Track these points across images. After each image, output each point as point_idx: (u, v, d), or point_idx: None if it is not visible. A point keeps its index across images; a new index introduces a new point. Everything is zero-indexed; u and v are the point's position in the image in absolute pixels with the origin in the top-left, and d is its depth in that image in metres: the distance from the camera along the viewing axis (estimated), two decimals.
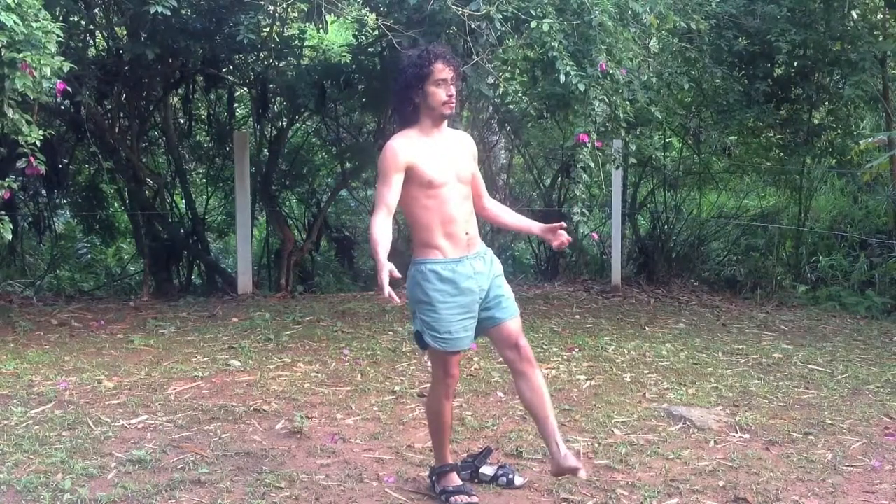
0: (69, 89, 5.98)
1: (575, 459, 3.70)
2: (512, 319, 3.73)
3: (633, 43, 6.36)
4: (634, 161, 8.84)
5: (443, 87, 3.59)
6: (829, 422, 4.87)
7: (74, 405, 4.88)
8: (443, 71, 3.59)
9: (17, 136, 4.78)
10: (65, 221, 10.07)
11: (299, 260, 9.10)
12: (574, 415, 4.89)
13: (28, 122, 4.79)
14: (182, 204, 9.38)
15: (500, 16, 5.78)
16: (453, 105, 3.65)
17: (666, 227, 9.96)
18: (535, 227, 3.93)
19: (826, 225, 10.23)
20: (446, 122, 3.72)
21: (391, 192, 3.54)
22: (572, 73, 5.70)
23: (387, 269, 3.33)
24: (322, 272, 9.78)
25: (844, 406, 5.19)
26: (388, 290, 3.32)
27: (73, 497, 3.68)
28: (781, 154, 9.95)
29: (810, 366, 6.10)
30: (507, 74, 6.02)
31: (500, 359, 4.10)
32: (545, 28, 5.65)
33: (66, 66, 4.80)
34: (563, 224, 3.83)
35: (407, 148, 3.59)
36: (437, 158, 3.61)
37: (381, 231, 3.47)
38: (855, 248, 9.65)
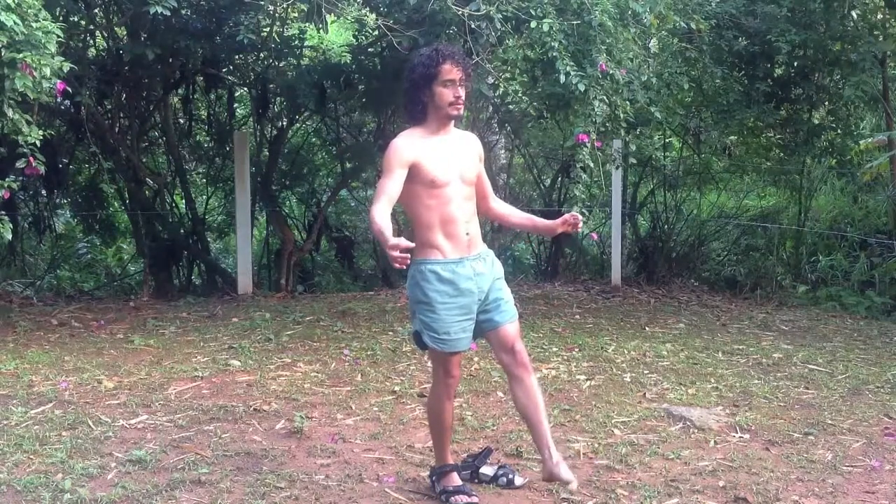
0: (69, 89, 5.97)
1: (567, 471, 3.64)
2: (510, 323, 3.72)
3: (633, 43, 6.35)
4: (634, 161, 8.84)
5: (451, 88, 3.59)
6: (829, 422, 4.87)
7: (74, 405, 4.88)
8: (451, 72, 3.58)
9: (17, 136, 4.77)
10: (65, 221, 10.06)
11: (299, 260, 9.10)
12: (574, 415, 4.89)
13: (28, 122, 4.78)
14: (182, 204, 9.38)
15: (500, 16, 5.78)
16: (460, 107, 3.63)
17: (666, 227, 9.97)
18: (548, 223, 3.91)
19: (826, 225, 10.23)
20: (452, 122, 3.72)
21: (393, 184, 3.53)
22: (572, 73, 5.70)
23: (396, 240, 3.22)
24: (322, 272, 9.79)
25: (844, 406, 5.19)
26: (396, 241, 3.19)
27: (73, 497, 3.68)
28: (781, 154, 9.95)
29: (810, 366, 6.10)
30: (507, 74, 6.02)
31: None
32: (545, 28, 5.65)
33: (66, 66, 4.80)
34: (573, 218, 3.79)
35: (412, 145, 3.59)
36: (441, 157, 3.61)
37: (383, 218, 3.42)
38: (855, 248, 9.66)
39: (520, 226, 4.05)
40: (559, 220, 3.85)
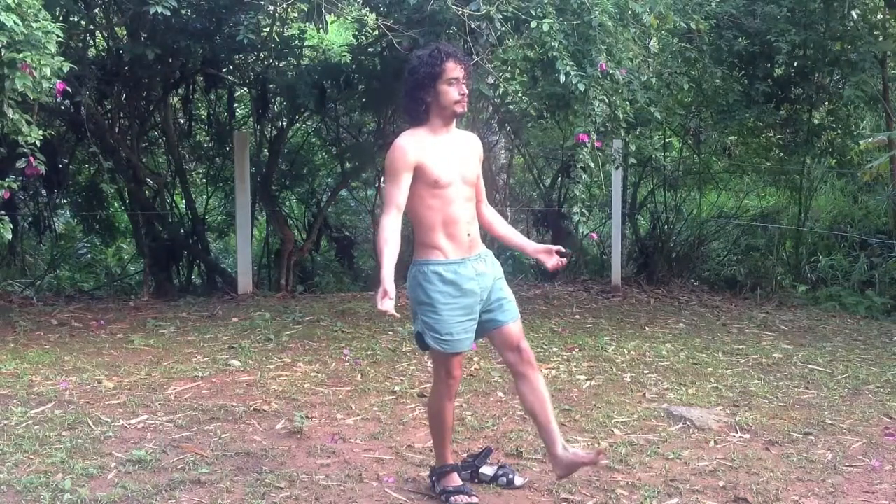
0: (69, 89, 5.97)
1: (586, 452, 3.79)
2: (513, 322, 3.73)
3: (633, 43, 6.36)
4: (634, 161, 8.85)
5: (455, 86, 3.59)
6: (829, 422, 4.87)
7: (74, 405, 4.88)
8: (454, 69, 3.59)
9: (17, 136, 4.77)
10: (65, 221, 10.07)
11: (299, 260, 9.11)
12: (574, 415, 4.89)
13: (28, 122, 4.78)
14: (182, 204, 9.38)
15: (500, 16, 5.77)
16: (465, 104, 3.65)
17: (666, 227, 9.97)
18: (528, 247, 3.95)
19: (826, 225, 10.24)
20: (455, 121, 3.72)
21: (400, 192, 3.54)
22: (572, 73, 5.70)
23: (387, 293, 3.34)
24: (322, 272, 9.79)
25: (844, 406, 5.19)
26: (383, 308, 3.35)
27: (73, 497, 3.67)
28: (781, 154, 9.97)
29: (810, 366, 6.10)
30: (507, 74, 6.02)
31: (501, 359, 4.10)
32: (545, 28, 5.65)
33: (66, 66, 4.80)
34: (561, 248, 3.88)
35: (415, 146, 3.58)
36: (444, 158, 3.61)
37: (390, 233, 3.48)
38: (855, 248, 9.66)
39: (502, 238, 3.96)
40: (541, 248, 3.90)
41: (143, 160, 9.16)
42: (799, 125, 9.40)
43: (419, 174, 3.56)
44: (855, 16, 8.66)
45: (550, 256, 3.85)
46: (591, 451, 3.85)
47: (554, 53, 5.71)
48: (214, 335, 6.57)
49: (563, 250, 3.88)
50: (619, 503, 3.79)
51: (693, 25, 7.08)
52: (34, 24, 4.63)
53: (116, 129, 8.75)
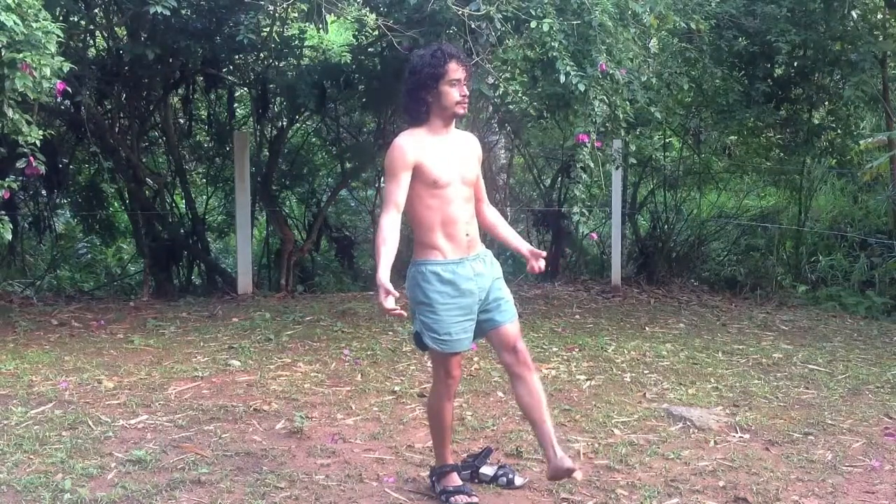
0: (69, 89, 5.97)
1: (570, 461, 3.68)
2: (511, 323, 3.72)
3: (633, 43, 6.36)
4: (634, 161, 8.85)
5: (456, 87, 3.60)
6: (829, 422, 4.87)
7: (74, 405, 4.88)
8: (456, 71, 3.59)
9: (17, 136, 4.77)
10: (65, 221, 10.07)
11: (299, 260, 9.11)
12: (574, 415, 4.89)
13: (28, 122, 4.78)
14: (182, 204, 9.38)
15: (500, 16, 5.78)
16: (466, 105, 3.65)
17: (666, 227, 9.97)
18: (522, 248, 3.93)
19: (826, 225, 10.24)
20: (454, 122, 3.72)
21: (399, 191, 3.54)
22: (572, 73, 5.70)
23: (389, 291, 3.34)
24: (322, 272, 9.79)
25: (844, 406, 5.19)
26: (390, 305, 3.35)
27: (73, 497, 3.67)
28: (781, 154, 9.97)
29: (810, 366, 6.10)
30: (507, 74, 6.02)
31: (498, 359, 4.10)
32: (545, 28, 5.66)
33: (66, 66, 4.80)
34: (544, 254, 3.88)
35: (415, 146, 3.59)
36: (443, 158, 3.61)
37: (389, 233, 3.48)
38: (855, 248, 9.67)
39: (501, 239, 3.95)
40: (533, 251, 3.88)
41: (143, 160, 9.16)
42: (799, 125, 9.40)
43: (418, 174, 3.56)
44: (855, 16, 8.66)
45: (536, 259, 3.85)
46: (565, 457, 3.65)
47: (554, 53, 5.72)
48: (214, 335, 6.57)
49: (544, 255, 3.87)
50: (619, 503, 3.79)
51: (693, 25, 7.08)
52: (34, 24, 4.63)
53: (116, 129, 8.75)
